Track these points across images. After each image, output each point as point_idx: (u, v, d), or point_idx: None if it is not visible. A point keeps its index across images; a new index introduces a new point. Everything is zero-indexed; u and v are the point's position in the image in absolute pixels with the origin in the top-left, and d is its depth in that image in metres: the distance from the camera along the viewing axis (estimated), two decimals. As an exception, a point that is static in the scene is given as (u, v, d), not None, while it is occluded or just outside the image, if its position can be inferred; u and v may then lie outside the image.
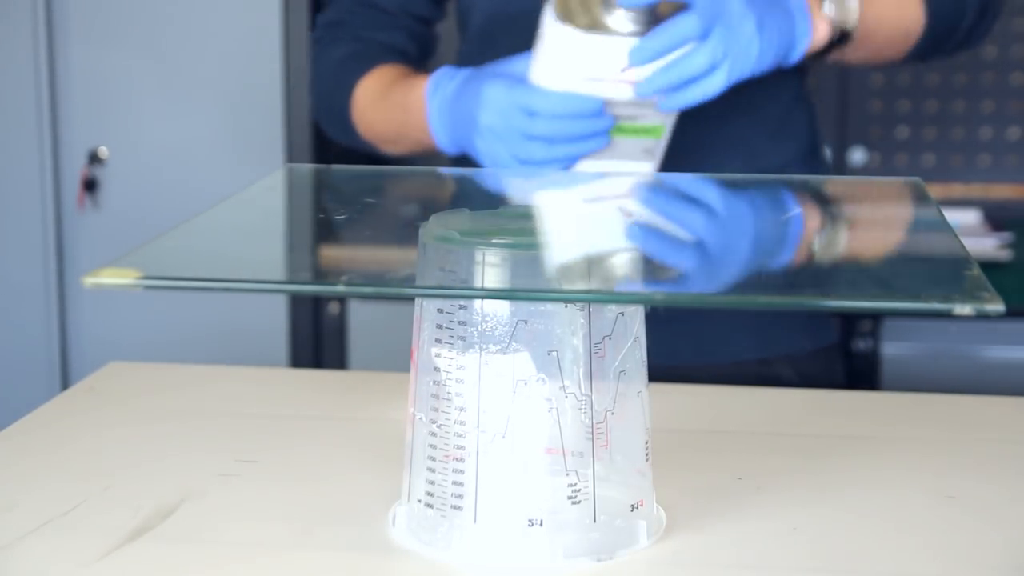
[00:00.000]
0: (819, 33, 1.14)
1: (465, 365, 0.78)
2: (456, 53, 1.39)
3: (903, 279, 0.83)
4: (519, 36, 1.23)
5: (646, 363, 0.81)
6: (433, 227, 0.79)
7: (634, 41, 1.06)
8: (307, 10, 2.42)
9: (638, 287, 0.78)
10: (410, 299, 0.81)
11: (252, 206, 1.00)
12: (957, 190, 2.60)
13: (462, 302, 0.78)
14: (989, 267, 2.10)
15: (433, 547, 0.80)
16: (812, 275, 0.85)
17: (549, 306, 0.77)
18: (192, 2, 2.48)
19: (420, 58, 1.41)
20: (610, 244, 0.85)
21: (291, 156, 2.45)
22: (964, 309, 0.69)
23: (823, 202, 1.10)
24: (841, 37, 1.18)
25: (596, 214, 0.99)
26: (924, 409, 1.06)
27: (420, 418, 0.80)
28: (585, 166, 1.12)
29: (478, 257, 0.76)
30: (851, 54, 1.22)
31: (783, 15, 1.11)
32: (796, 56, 1.13)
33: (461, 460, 0.78)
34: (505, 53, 1.24)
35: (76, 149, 2.57)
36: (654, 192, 1.06)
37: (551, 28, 1.08)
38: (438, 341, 0.79)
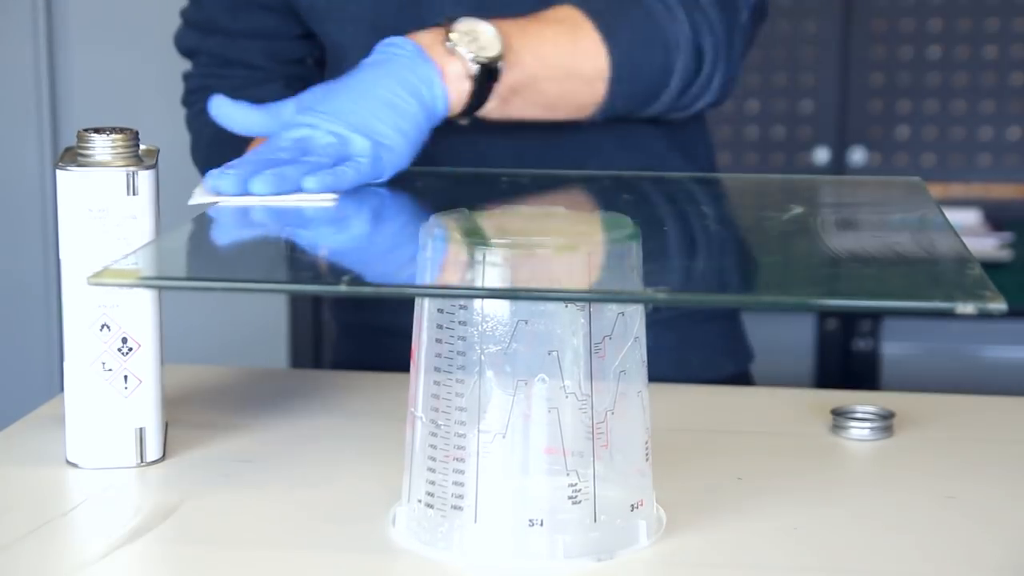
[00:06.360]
0: (452, 72, 1.05)
1: (465, 365, 0.78)
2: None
3: (904, 278, 0.83)
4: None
5: (646, 363, 0.81)
6: (433, 227, 0.79)
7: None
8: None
9: (639, 287, 0.78)
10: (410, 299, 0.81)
11: (252, 206, 1.00)
12: (957, 190, 2.60)
13: (462, 302, 0.78)
14: (989, 267, 2.10)
15: (433, 547, 0.80)
16: (813, 274, 0.85)
17: (549, 306, 0.77)
18: (192, 2, 2.48)
19: None
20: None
21: (291, 156, 2.45)
22: (966, 308, 0.69)
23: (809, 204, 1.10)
24: (489, 73, 1.06)
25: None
26: (924, 409, 1.06)
27: (420, 418, 0.80)
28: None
29: (478, 257, 0.76)
30: (519, 106, 1.10)
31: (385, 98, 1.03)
32: (442, 106, 1.04)
33: (461, 460, 0.78)
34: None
35: (76, 149, 2.57)
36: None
37: None
38: (438, 341, 0.78)
